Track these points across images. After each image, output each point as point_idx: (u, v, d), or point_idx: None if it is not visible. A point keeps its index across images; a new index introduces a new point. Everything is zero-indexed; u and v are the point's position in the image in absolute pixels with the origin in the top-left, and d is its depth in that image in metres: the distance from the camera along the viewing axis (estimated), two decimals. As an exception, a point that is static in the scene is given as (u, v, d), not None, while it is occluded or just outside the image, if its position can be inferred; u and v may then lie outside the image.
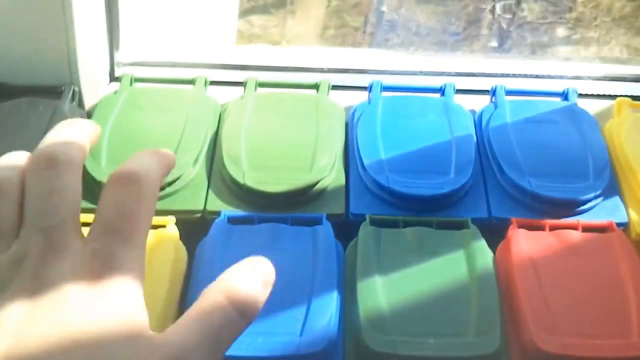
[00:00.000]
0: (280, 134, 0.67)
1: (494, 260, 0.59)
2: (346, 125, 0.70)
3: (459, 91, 0.73)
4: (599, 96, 0.76)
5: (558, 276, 0.58)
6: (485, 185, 0.66)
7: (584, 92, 0.75)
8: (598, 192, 0.64)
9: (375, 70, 0.78)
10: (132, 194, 0.28)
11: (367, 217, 0.61)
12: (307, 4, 3.58)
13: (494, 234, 0.61)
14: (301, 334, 0.51)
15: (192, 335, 0.26)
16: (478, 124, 0.71)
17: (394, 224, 0.61)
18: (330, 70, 0.77)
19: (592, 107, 0.74)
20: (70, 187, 0.28)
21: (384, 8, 3.66)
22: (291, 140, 0.66)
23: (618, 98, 0.73)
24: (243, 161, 0.63)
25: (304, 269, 0.56)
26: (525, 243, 0.60)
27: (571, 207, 0.63)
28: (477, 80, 0.77)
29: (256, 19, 3.56)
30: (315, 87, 0.72)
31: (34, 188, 0.28)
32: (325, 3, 3.61)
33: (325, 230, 0.59)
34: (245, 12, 3.55)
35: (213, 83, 0.72)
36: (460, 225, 0.61)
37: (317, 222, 0.60)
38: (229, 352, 0.27)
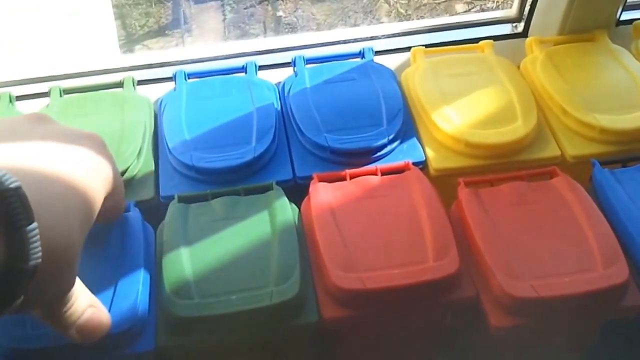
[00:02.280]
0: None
1: (300, 216, 0.62)
2: (156, 115, 0.73)
3: (262, 67, 0.77)
4: (397, 50, 0.80)
5: (356, 219, 0.60)
6: (290, 149, 0.69)
7: (383, 49, 0.79)
8: (391, 136, 0.67)
9: (178, 61, 0.81)
10: None
11: (176, 196, 0.63)
12: (201, 20, 3.59)
13: (302, 192, 0.64)
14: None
15: None
16: (282, 94, 0.74)
17: (203, 199, 0.63)
18: (132, 68, 0.79)
19: (392, 61, 0.78)
20: None
21: (280, 13, 3.70)
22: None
23: (413, 48, 0.77)
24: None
25: (110, 257, 0.57)
26: (324, 194, 0.62)
27: (367, 154, 0.67)
28: (281, 55, 0.80)
29: (153, 43, 3.55)
30: (120, 84, 0.74)
31: None
32: (220, 17, 3.62)
33: (134, 216, 0.61)
34: (141, 38, 3.53)
35: (19, 98, 0.74)
36: (266, 189, 0.64)
37: (128, 210, 0.62)
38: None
